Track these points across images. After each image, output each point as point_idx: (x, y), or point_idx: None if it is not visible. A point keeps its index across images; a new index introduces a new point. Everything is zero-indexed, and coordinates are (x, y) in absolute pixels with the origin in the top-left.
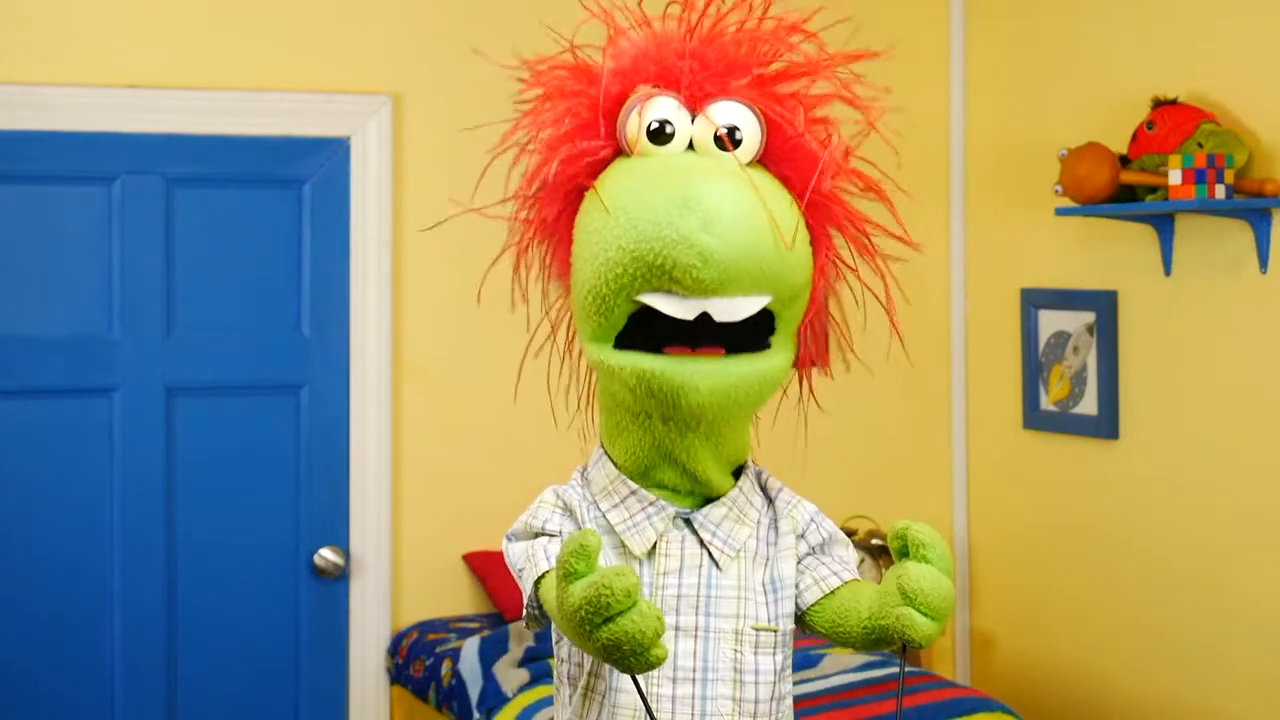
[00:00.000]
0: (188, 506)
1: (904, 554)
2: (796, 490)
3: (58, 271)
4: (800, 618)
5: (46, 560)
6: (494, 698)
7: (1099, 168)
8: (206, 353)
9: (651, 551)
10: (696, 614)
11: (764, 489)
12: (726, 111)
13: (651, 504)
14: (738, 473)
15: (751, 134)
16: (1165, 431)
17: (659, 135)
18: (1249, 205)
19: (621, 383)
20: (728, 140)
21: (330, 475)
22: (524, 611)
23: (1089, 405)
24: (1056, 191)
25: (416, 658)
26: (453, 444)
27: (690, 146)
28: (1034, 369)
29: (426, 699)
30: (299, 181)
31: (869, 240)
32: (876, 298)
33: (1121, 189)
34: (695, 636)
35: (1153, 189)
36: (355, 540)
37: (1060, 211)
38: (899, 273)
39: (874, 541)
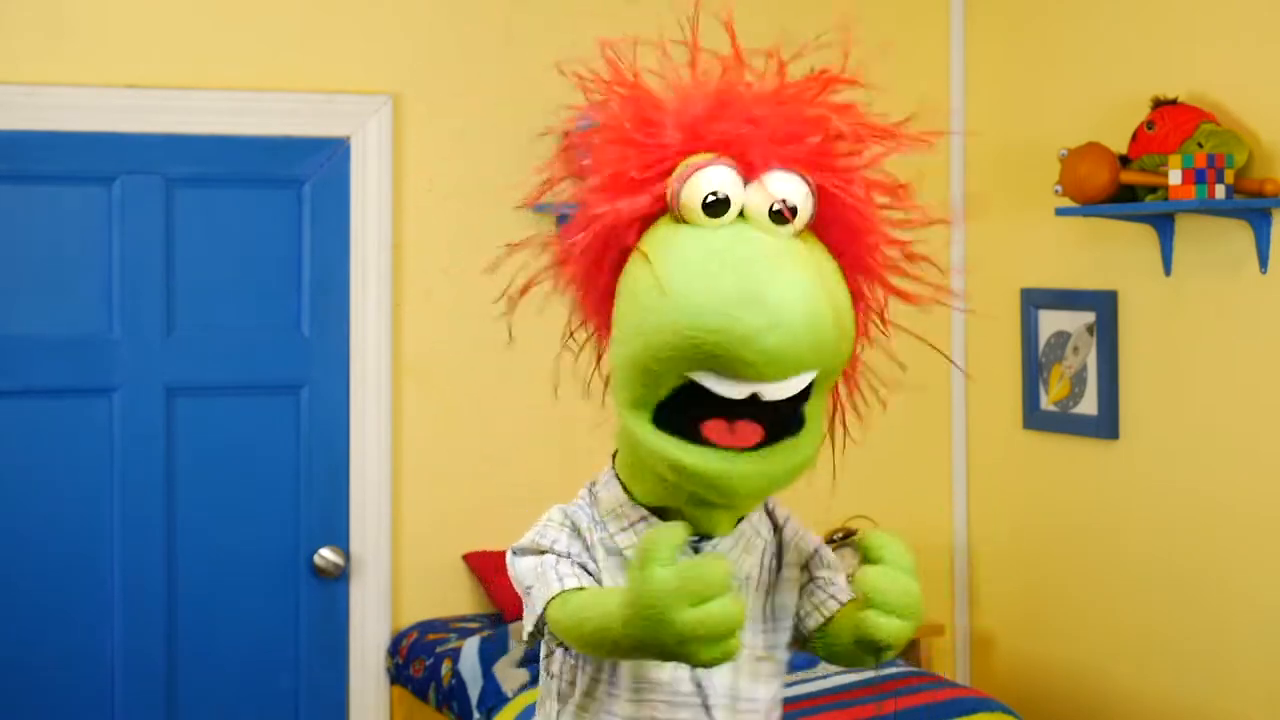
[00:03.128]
0: (188, 506)
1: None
2: (796, 491)
3: (58, 271)
4: (805, 642)
5: (47, 560)
6: (494, 698)
7: (1099, 168)
8: (206, 353)
9: None
10: None
11: (770, 514)
12: (781, 183)
13: None
14: None
15: (805, 206)
16: (1165, 431)
17: (716, 206)
18: (1249, 205)
19: (656, 462)
20: (788, 214)
21: (330, 475)
22: (526, 626)
23: (1089, 405)
24: (1056, 191)
25: (416, 658)
26: (453, 444)
27: (741, 213)
28: (1034, 369)
29: (426, 699)
30: (299, 181)
31: (915, 296)
32: (913, 334)
33: (1121, 189)
34: None
35: (1153, 189)
36: (355, 540)
37: (1060, 211)
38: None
39: None
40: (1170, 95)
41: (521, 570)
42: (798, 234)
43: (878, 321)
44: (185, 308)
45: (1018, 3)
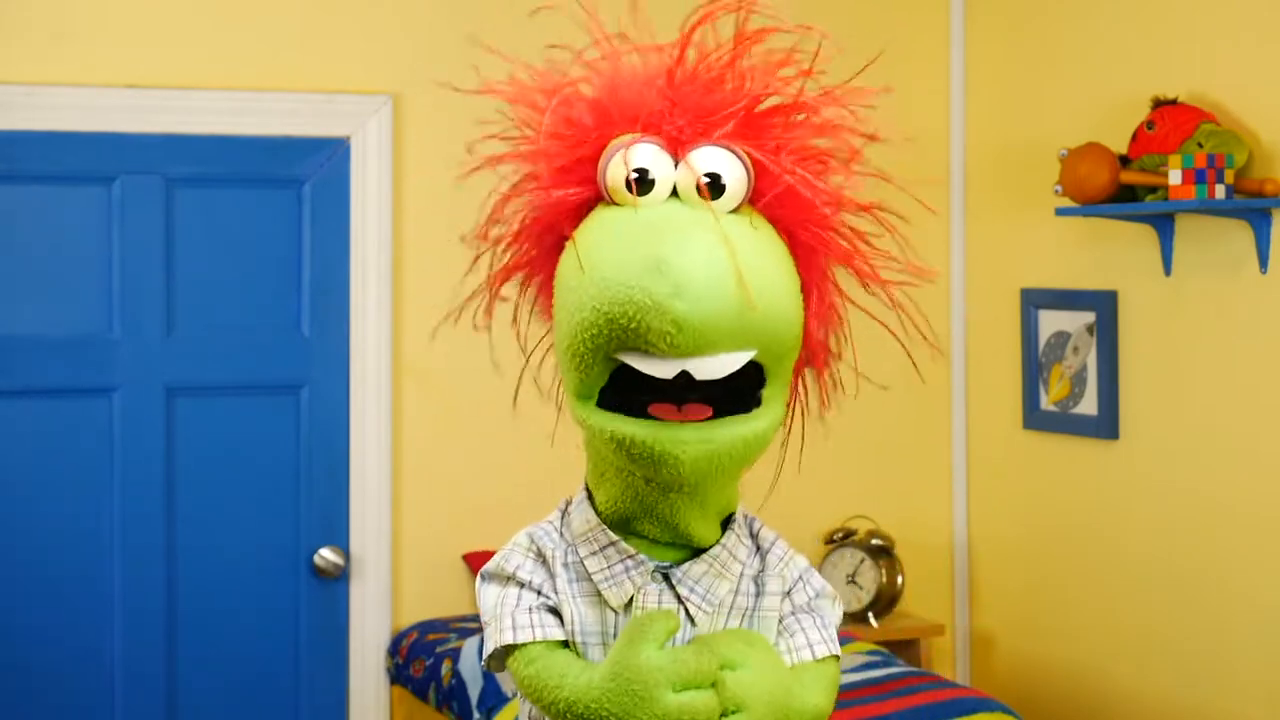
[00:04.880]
0: (188, 506)
1: None
2: (795, 490)
3: (58, 271)
4: None
5: (46, 560)
6: (494, 698)
7: (1099, 168)
8: (206, 353)
9: (628, 604)
10: None
11: (755, 537)
12: (708, 158)
13: (630, 556)
14: (727, 520)
15: (736, 179)
16: (1165, 431)
17: (639, 184)
18: (1249, 205)
19: (603, 443)
20: (706, 190)
21: (330, 475)
22: (485, 657)
23: (1089, 405)
24: (1056, 191)
25: (416, 658)
26: (453, 444)
27: (675, 192)
28: (1034, 369)
29: (426, 699)
30: (299, 181)
31: (874, 273)
32: (888, 328)
33: (1121, 189)
34: None
35: (1153, 189)
36: (355, 540)
37: (1060, 211)
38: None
39: (874, 542)
40: (1170, 95)
41: (484, 602)
42: (735, 210)
43: (845, 301)
44: (185, 308)
45: (1018, 3)
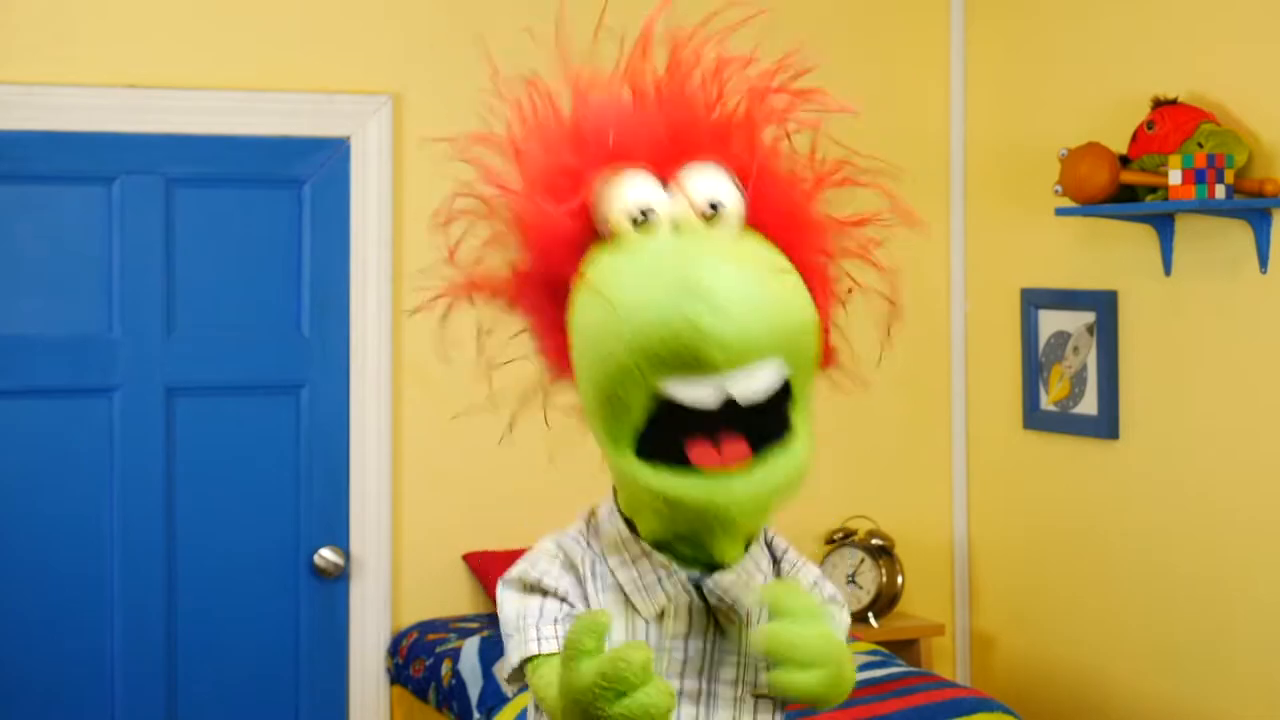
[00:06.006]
0: (188, 506)
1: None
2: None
3: (58, 271)
4: None
5: (46, 560)
6: (494, 698)
7: (1099, 168)
8: (206, 353)
9: (660, 615)
10: (700, 679)
11: (769, 546)
12: (703, 183)
13: (663, 567)
14: None
15: (733, 199)
16: (1165, 431)
17: (641, 219)
18: (1249, 205)
19: (648, 499)
20: (705, 213)
21: (330, 475)
22: (505, 670)
23: (1089, 405)
24: (1056, 191)
25: (416, 658)
26: (453, 444)
27: (673, 221)
28: (1034, 369)
29: (426, 699)
30: (299, 181)
31: (871, 257)
32: (884, 301)
33: (1121, 189)
34: (698, 702)
35: (1153, 189)
36: (355, 540)
37: (1060, 211)
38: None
39: (874, 541)
40: (1170, 95)
41: (506, 612)
42: (736, 229)
43: (843, 289)
44: (185, 308)
45: (1018, 3)
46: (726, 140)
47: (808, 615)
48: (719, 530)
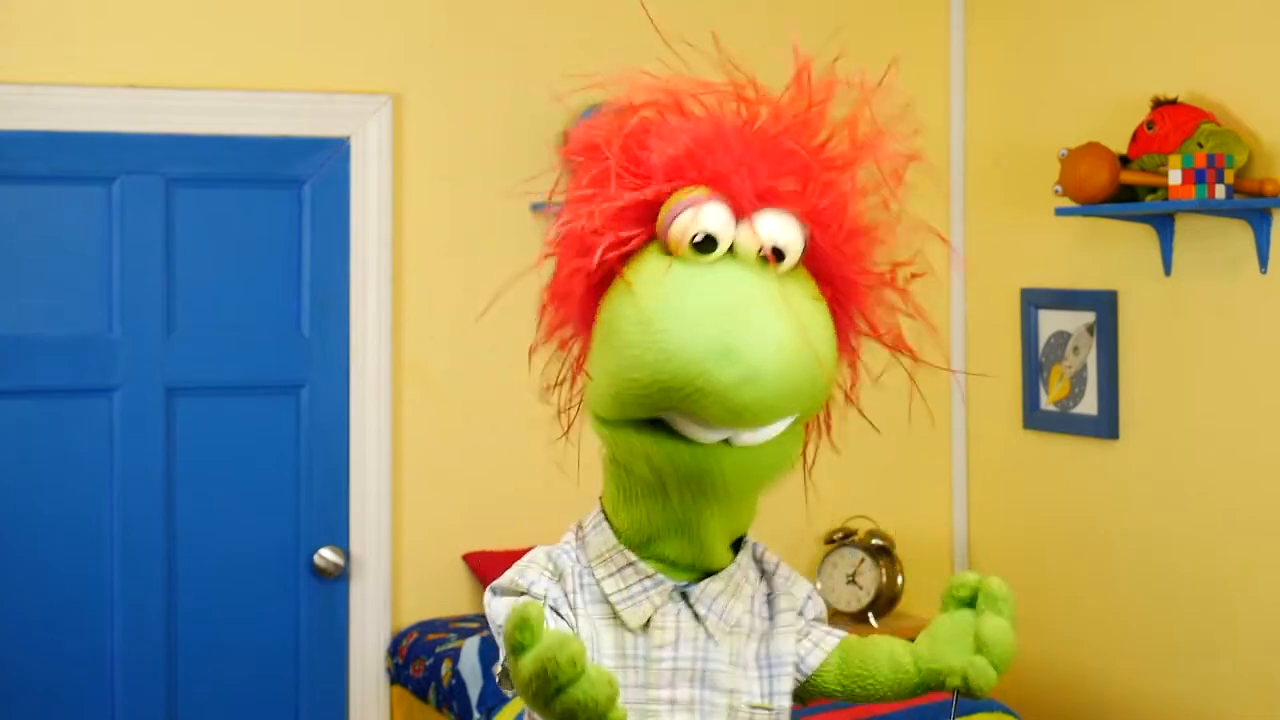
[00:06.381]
0: (188, 506)
1: (966, 603)
2: (796, 490)
3: (58, 271)
4: (805, 685)
5: (46, 560)
6: (494, 698)
7: (1099, 168)
8: (206, 353)
9: (646, 624)
10: (691, 687)
11: (759, 562)
12: (773, 226)
13: (649, 576)
14: (735, 545)
15: (795, 246)
16: (1165, 431)
17: (702, 245)
18: (1249, 205)
19: (637, 460)
20: (773, 260)
21: (330, 475)
22: (498, 667)
23: (1089, 405)
24: (1056, 191)
25: (416, 658)
26: (453, 444)
27: (731, 247)
28: (1034, 369)
29: (426, 699)
30: (299, 181)
31: (902, 343)
32: (909, 374)
33: (1121, 189)
34: (691, 710)
35: (1153, 189)
36: (355, 540)
37: (1060, 211)
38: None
39: (874, 542)
40: (1170, 95)
41: (494, 612)
42: (787, 268)
43: (862, 338)
44: (185, 308)
45: (1018, 3)
46: (810, 184)
47: (1015, 621)
48: (708, 505)
